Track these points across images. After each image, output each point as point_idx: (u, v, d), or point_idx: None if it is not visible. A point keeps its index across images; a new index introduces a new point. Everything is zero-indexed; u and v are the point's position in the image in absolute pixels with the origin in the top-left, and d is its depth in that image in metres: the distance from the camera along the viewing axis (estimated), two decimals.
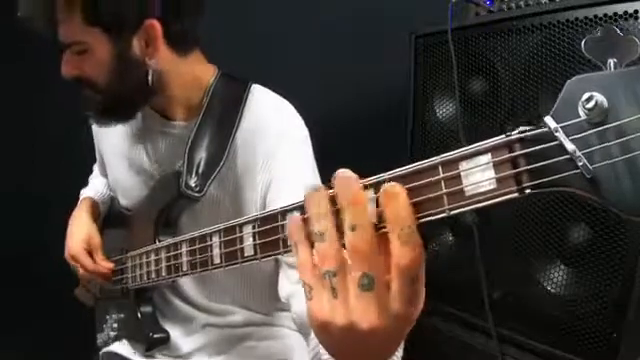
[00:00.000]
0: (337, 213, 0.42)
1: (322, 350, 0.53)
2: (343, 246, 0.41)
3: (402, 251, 0.39)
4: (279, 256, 0.83)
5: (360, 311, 0.39)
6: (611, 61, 0.35)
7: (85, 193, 1.17)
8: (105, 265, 1.00)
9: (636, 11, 0.88)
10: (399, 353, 0.50)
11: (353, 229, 0.40)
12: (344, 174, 0.42)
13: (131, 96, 0.88)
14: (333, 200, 0.43)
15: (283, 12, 1.65)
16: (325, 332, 0.42)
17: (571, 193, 0.36)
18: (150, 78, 0.85)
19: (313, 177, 0.88)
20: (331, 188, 0.43)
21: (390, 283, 0.40)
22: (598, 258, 0.96)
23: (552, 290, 1.05)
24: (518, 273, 1.11)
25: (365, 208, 0.40)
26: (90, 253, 1.02)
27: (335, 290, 0.41)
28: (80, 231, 1.04)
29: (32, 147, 1.67)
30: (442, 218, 0.41)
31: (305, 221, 0.44)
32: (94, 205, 1.12)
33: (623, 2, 0.90)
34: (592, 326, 0.97)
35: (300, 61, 1.62)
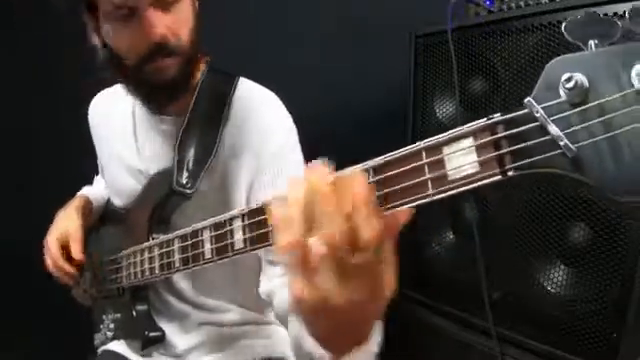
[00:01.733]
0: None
1: (301, 334, 0.54)
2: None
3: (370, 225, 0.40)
4: (261, 254, 0.84)
5: (326, 289, 0.41)
6: (592, 42, 0.35)
7: (83, 191, 1.17)
8: (76, 257, 0.98)
9: None
10: (374, 340, 0.51)
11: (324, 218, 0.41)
12: (317, 167, 0.43)
13: (192, 69, 0.87)
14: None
15: (283, 12, 1.65)
16: (299, 306, 0.44)
17: (560, 175, 0.35)
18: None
19: (297, 169, 0.87)
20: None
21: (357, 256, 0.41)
22: (598, 258, 0.96)
23: (552, 290, 1.05)
24: (518, 273, 1.11)
25: (333, 197, 0.41)
26: (65, 246, 1.00)
27: (299, 271, 0.42)
28: (60, 225, 1.03)
29: (32, 146, 1.67)
30: (428, 203, 0.42)
31: None
32: (86, 202, 1.11)
33: (623, 2, 0.90)
34: (592, 326, 0.97)
35: (300, 61, 1.61)
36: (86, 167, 1.23)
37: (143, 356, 1.00)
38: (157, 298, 1.01)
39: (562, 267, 1.04)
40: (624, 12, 0.90)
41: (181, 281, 0.99)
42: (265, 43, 1.61)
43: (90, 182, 1.23)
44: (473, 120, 0.39)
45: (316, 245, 0.41)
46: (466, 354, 1.22)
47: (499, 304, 1.14)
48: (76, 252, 0.99)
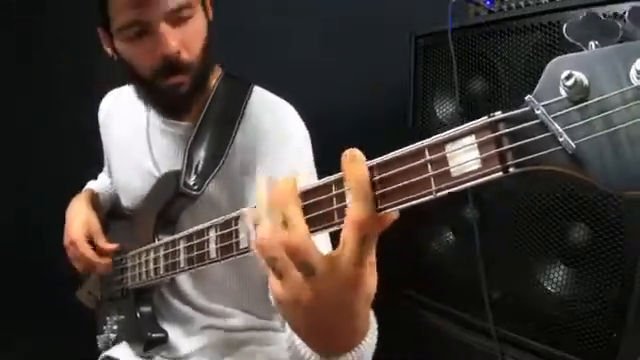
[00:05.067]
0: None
1: (295, 337, 0.56)
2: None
3: (357, 207, 0.42)
4: None
5: (301, 287, 0.43)
6: (592, 43, 0.36)
7: (89, 185, 1.17)
8: (109, 247, 0.98)
9: None
10: (370, 340, 0.52)
11: (285, 225, 0.44)
12: (280, 180, 0.47)
13: (205, 80, 0.88)
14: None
15: (284, 12, 1.65)
16: (281, 308, 0.46)
17: (560, 173, 0.36)
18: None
19: (311, 179, 0.87)
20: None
21: (342, 243, 0.42)
22: (598, 258, 0.96)
23: (552, 290, 1.05)
24: (518, 273, 1.11)
25: (297, 207, 0.45)
26: (90, 240, 1.00)
27: (279, 272, 0.44)
28: (79, 218, 1.02)
29: (32, 146, 1.67)
30: (431, 200, 0.42)
31: None
32: (94, 196, 1.11)
33: (623, 2, 0.90)
34: (592, 326, 0.97)
35: (300, 61, 1.62)
36: (87, 168, 1.23)
37: (145, 359, 0.99)
38: (161, 301, 1.01)
39: (562, 267, 1.04)
40: (624, 12, 0.90)
41: (186, 284, 0.98)
42: (265, 43, 1.61)
43: (91, 179, 1.23)
44: (473, 120, 0.39)
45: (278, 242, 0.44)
46: (466, 354, 1.22)
47: (499, 304, 1.14)
48: (105, 244, 0.99)
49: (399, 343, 1.43)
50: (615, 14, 0.91)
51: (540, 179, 1.05)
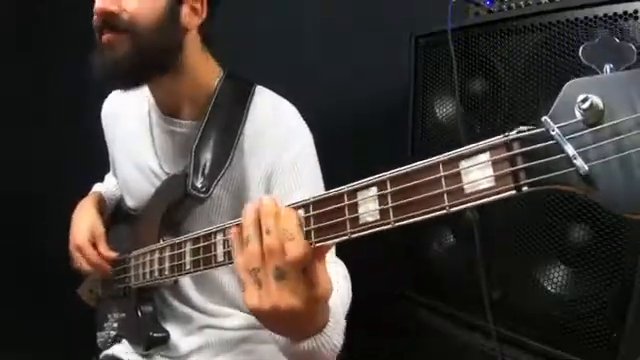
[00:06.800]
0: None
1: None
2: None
3: (288, 248, 0.51)
4: None
5: (277, 296, 0.52)
6: (607, 66, 0.37)
7: (96, 187, 1.18)
8: (108, 255, 1.00)
9: (636, 11, 0.88)
10: (338, 338, 0.62)
11: (267, 233, 0.53)
12: (264, 198, 0.55)
13: (155, 58, 0.85)
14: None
15: (283, 11, 1.65)
16: (257, 315, 0.56)
17: (570, 193, 0.36)
18: (177, 52, 0.87)
19: (315, 179, 0.88)
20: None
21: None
22: (598, 258, 0.96)
23: (552, 290, 1.05)
24: (518, 273, 1.11)
25: (277, 219, 0.53)
26: (94, 244, 1.01)
27: (260, 282, 0.53)
28: (85, 222, 1.04)
29: (32, 146, 1.67)
30: (442, 215, 0.42)
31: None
32: (101, 199, 1.12)
33: (623, 2, 0.90)
34: (592, 326, 0.97)
35: (300, 61, 1.62)
36: (86, 169, 1.23)
37: (145, 357, 1.00)
38: (161, 301, 1.02)
39: (562, 267, 1.04)
40: (624, 12, 0.90)
41: (188, 285, 0.99)
42: (264, 43, 1.61)
43: (93, 182, 1.24)
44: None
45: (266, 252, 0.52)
46: (466, 354, 1.22)
47: (499, 304, 1.14)
48: (106, 251, 1.00)
49: (398, 343, 1.43)
50: (615, 14, 0.91)
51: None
